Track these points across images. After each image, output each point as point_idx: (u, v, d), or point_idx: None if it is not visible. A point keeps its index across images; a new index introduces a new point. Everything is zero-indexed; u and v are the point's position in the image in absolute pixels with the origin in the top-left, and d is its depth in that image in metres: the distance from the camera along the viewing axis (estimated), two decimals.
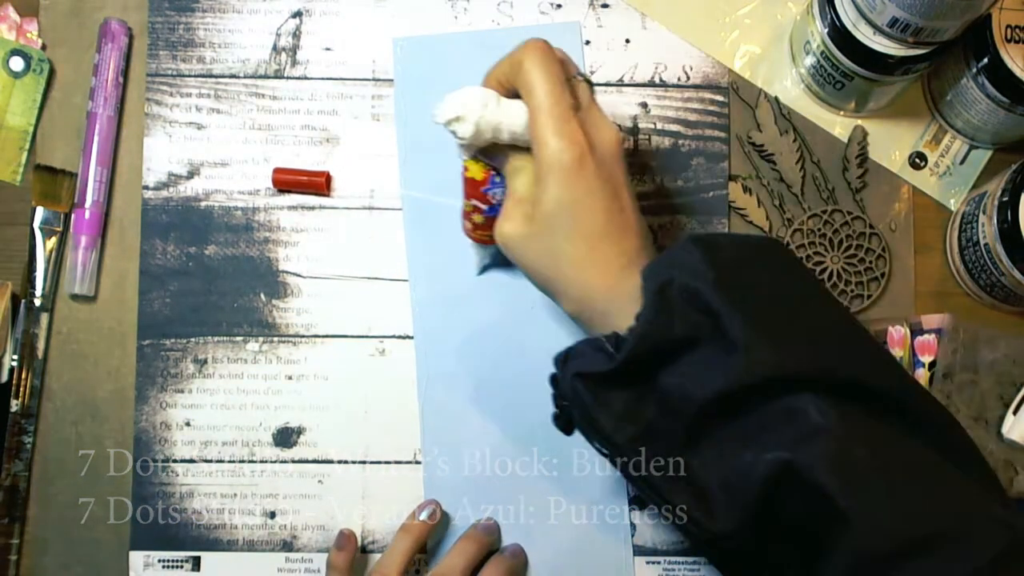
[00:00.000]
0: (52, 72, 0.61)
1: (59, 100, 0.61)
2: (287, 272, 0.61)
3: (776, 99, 0.62)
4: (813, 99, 0.62)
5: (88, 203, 0.59)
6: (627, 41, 0.62)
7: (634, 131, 0.62)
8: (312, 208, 0.61)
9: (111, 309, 0.60)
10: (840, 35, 0.55)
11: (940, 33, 0.52)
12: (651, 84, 0.62)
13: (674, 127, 0.62)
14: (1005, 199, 0.55)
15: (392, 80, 0.62)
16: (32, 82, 0.60)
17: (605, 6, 0.63)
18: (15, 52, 0.60)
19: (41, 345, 0.59)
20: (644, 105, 0.62)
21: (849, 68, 0.57)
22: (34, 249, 0.59)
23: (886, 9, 0.52)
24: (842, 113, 0.62)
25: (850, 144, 0.62)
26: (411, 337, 0.60)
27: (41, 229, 0.59)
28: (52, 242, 0.59)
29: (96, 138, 0.59)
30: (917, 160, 0.63)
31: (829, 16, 0.55)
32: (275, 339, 0.60)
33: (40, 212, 0.59)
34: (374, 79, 0.62)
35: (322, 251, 0.61)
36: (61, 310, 0.60)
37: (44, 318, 0.59)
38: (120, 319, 0.60)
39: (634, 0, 0.62)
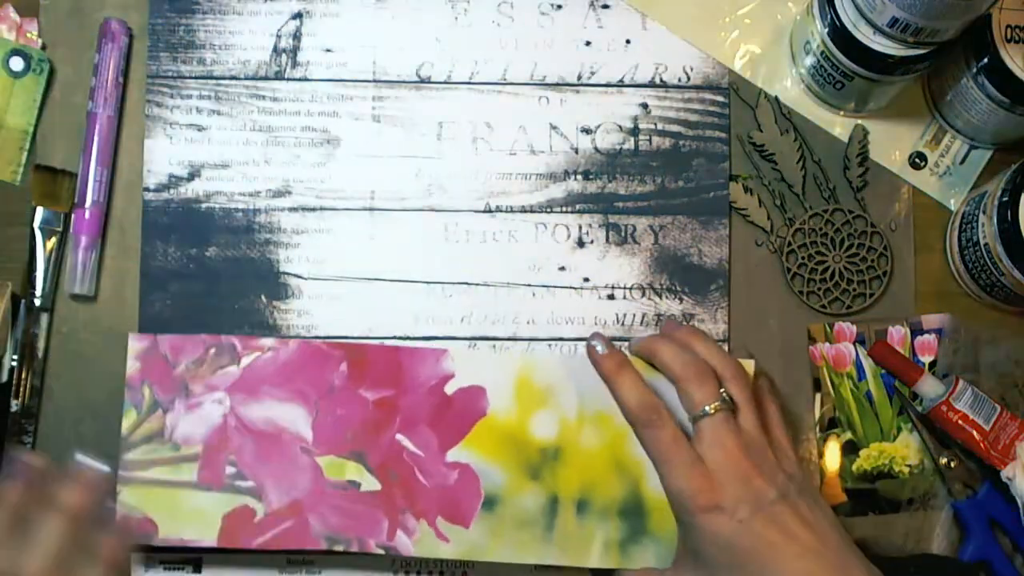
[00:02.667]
0: (52, 72, 0.61)
1: (59, 100, 0.61)
2: (288, 274, 0.60)
3: (776, 99, 0.62)
4: (813, 99, 0.62)
5: (88, 203, 0.59)
6: (627, 42, 0.62)
7: (634, 132, 0.62)
8: (313, 210, 0.61)
9: (111, 309, 0.60)
10: (840, 35, 0.55)
11: (940, 33, 0.52)
12: (651, 85, 0.62)
13: (675, 128, 0.62)
14: (1005, 199, 0.56)
15: (392, 81, 0.62)
16: (32, 82, 0.60)
17: (605, 7, 0.63)
18: (15, 52, 0.60)
19: (41, 345, 0.59)
20: (644, 106, 0.62)
21: (849, 68, 0.57)
22: (34, 249, 0.59)
23: (886, 9, 0.52)
24: (842, 113, 0.62)
25: (851, 143, 0.62)
26: (413, 338, 0.60)
27: (41, 229, 0.59)
28: (52, 242, 0.59)
29: (96, 138, 0.59)
30: (917, 160, 0.63)
31: (829, 16, 0.55)
32: None
33: (40, 212, 0.59)
34: (374, 80, 0.62)
35: (323, 253, 0.61)
36: (61, 310, 0.60)
37: (44, 318, 0.59)
38: (120, 319, 0.60)
39: (634, 0, 0.63)
